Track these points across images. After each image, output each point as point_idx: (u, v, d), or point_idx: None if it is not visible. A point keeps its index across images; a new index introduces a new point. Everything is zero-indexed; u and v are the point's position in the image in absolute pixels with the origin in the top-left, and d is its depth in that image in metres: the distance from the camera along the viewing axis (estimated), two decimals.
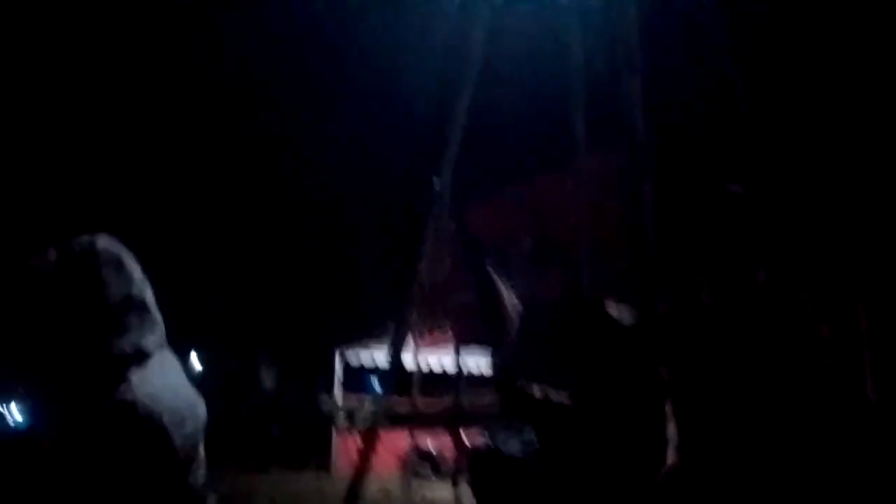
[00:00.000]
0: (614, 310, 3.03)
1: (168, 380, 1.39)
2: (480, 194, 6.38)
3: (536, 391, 3.21)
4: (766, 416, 2.11)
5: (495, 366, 4.69)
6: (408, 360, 9.95)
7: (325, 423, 12.25)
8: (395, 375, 5.34)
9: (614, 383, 2.85)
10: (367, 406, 4.30)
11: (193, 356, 15.33)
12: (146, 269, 1.44)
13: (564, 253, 4.92)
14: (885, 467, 2.30)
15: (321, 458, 12.02)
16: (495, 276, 5.14)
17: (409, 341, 9.33)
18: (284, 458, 11.97)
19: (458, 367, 10.57)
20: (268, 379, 15.46)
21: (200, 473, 1.43)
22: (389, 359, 5.63)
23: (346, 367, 13.28)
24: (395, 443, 12.43)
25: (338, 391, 12.94)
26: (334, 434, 12.22)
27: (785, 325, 2.23)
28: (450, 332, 8.06)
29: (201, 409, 1.45)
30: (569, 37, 5.14)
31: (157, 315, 1.42)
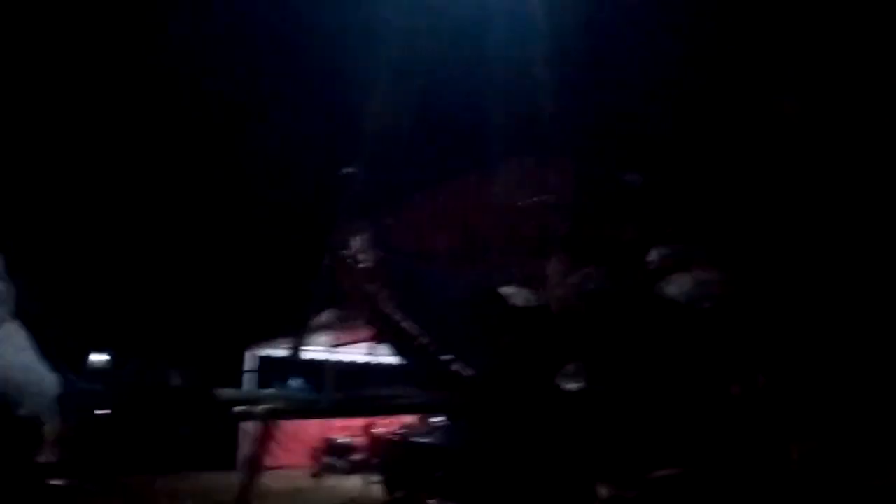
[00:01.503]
0: (519, 296, 3.22)
1: (10, 352, 1.32)
2: (397, 194, 6.48)
3: (454, 368, 3.36)
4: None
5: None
6: (323, 355, 9.94)
7: (233, 420, 12.03)
8: (304, 370, 5.37)
9: (516, 360, 3.05)
10: (269, 399, 4.30)
11: (97, 356, 14.66)
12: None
13: (483, 253, 5.08)
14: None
15: (230, 456, 11.81)
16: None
17: (325, 337, 9.35)
18: (193, 458, 11.69)
19: (374, 361, 10.66)
20: (175, 377, 14.98)
21: (51, 455, 1.36)
22: (295, 353, 5.64)
23: (259, 363, 13.10)
24: (307, 437, 12.40)
25: (248, 388, 12.73)
26: (242, 431, 12.05)
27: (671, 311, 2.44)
28: (366, 329, 8.12)
29: (50, 385, 1.37)
30: (488, 37, 5.30)
31: (5, 287, 1.34)
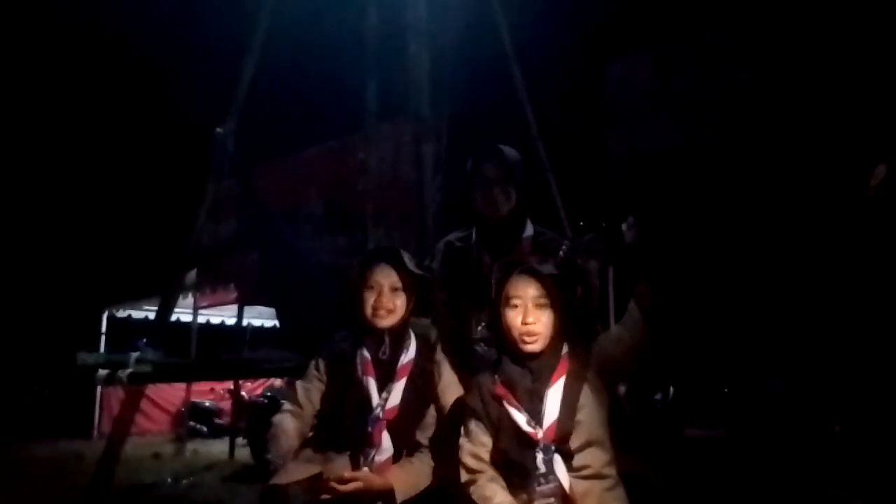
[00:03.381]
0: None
1: None
2: (270, 156, 6.35)
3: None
4: None
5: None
6: (187, 318, 9.63)
7: (88, 385, 11.41)
8: (166, 332, 5.20)
9: None
10: (131, 362, 4.12)
11: None
12: None
13: (353, 219, 5.12)
14: None
15: (85, 424, 11.24)
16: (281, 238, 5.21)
17: (191, 299, 9.04)
18: (48, 424, 11.02)
19: (240, 323, 10.45)
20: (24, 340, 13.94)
21: None
22: (160, 316, 5.46)
23: (114, 325, 12.44)
24: (168, 402, 12.00)
25: (103, 351, 12.08)
26: (98, 397, 11.48)
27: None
28: (233, 291, 7.94)
29: None
30: (366, 6, 5.27)
31: None
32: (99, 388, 10.75)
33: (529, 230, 2.79)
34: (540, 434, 2.11)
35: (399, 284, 2.49)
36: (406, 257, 2.52)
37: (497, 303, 2.26)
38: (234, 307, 10.30)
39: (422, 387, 2.44)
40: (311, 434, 2.51)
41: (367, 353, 2.47)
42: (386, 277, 2.48)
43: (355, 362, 2.47)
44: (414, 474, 2.34)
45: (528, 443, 2.13)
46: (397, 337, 2.48)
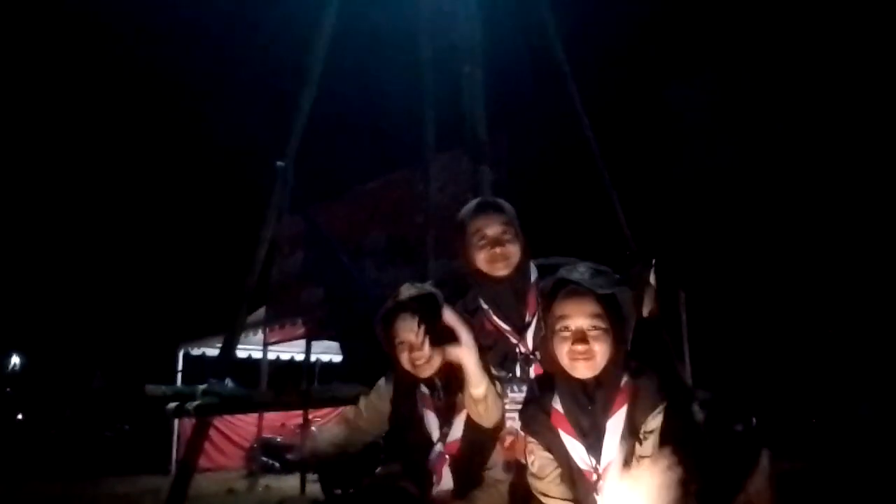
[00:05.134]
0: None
1: None
2: (331, 191, 6.44)
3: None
4: None
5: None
6: (256, 353, 9.78)
7: (164, 421, 11.72)
8: (231, 366, 5.27)
9: None
10: (198, 394, 4.17)
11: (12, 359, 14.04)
12: None
13: (415, 250, 5.10)
14: None
15: (163, 459, 11.51)
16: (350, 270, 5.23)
17: (261, 335, 9.19)
18: (124, 461, 11.34)
19: (308, 358, 10.54)
20: (99, 379, 14.48)
21: None
22: (224, 350, 5.55)
23: (189, 363, 12.78)
24: (241, 438, 12.18)
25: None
26: (175, 432, 11.75)
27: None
28: (301, 326, 8.02)
29: None
30: (418, 36, 5.31)
31: None
32: (176, 423, 11.02)
33: (534, 273, 2.54)
34: (596, 476, 1.98)
35: (425, 335, 2.30)
36: (418, 298, 2.36)
37: (546, 325, 2.08)
38: (303, 343, 10.42)
39: None
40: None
41: (425, 389, 2.39)
42: (409, 332, 2.32)
43: (415, 396, 2.40)
44: None
45: (585, 480, 2.00)
46: (447, 376, 2.35)
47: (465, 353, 2.17)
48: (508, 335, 2.44)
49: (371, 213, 5.82)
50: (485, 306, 2.50)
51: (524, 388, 2.31)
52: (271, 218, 5.04)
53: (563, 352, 2.02)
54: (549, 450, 2.06)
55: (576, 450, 2.01)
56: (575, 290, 2.02)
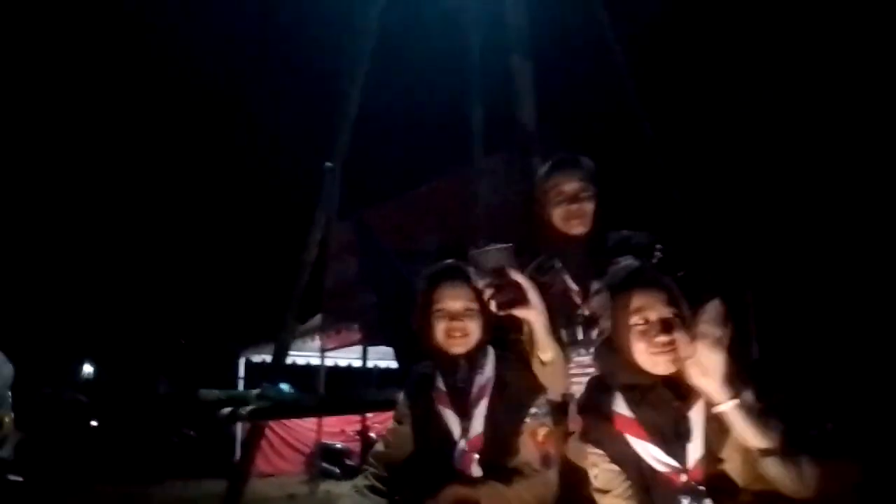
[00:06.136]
0: None
1: None
2: (378, 192, 6.41)
3: None
4: None
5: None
6: (315, 360, 9.84)
7: (220, 423, 11.94)
8: (283, 371, 5.26)
9: None
10: (252, 398, 4.18)
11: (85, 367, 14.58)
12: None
13: (467, 253, 5.00)
14: None
15: (226, 464, 11.72)
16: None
17: (318, 341, 9.25)
18: (189, 465, 11.60)
19: (365, 364, 10.55)
20: (164, 385, 14.89)
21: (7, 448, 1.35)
22: (276, 355, 5.56)
23: (251, 370, 12.99)
24: (300, 443, 12.30)
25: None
26: (238, 437, 11.95)
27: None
28: (357, 332, 8.02)
29: (6, 369, 1.37)
30: (466, 37, 5.23)
31: None
32: (239, 428, 11.21)
33: (614, 236, 2.47)
34: (683, 477, 1.80)
35: (472, 306, 2.20)
36: (473, 273, 2.20)
37: (615, 318, 1.90)
38: (360, 349, 10.43)
39: (513, 396, 2.18)
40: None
41: (441, 385, 2.24)
42: (455, 300, 2.21)
43: (432, 395, 2.24)
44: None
45: (667, 484, 1.81)
46: (473, 361, 2.21)
47: (535, 315, 2.08)
48: (574, 295, 2.36)
49: (422, 216, 5.76)
50: (558, 265, 2.44)
51: (591, 350, 2.18)
52: (320, 220, 5.02)
53: (642, 348, 1.85)
54: (614, 460, 1.89)
55: (651, 453, 1.84)
56: (649, 280, 1.88)
